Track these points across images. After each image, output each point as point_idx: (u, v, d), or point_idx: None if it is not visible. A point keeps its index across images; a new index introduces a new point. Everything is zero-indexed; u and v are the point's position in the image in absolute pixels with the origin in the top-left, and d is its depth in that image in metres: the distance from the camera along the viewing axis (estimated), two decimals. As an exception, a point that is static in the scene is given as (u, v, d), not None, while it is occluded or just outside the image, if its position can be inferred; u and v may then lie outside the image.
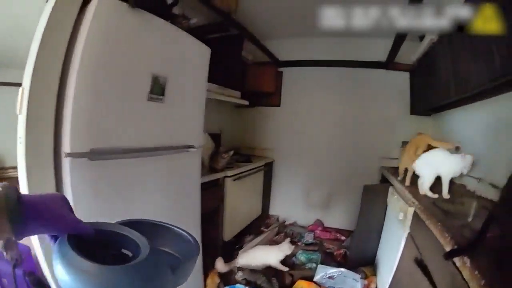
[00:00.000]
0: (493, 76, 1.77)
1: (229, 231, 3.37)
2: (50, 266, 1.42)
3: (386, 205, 3.00)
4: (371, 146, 4.33)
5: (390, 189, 2.91)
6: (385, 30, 3.54)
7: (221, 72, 3.44)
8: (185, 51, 2.22)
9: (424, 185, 2.17)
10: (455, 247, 1.24)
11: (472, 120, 2.76)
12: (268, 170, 4.58)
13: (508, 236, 1.16)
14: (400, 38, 3.19)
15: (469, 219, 1.60)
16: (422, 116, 4.04)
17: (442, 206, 1.88)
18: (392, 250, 2.43)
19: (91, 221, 0.66)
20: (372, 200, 3.12)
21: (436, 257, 1.48)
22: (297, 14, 3.77)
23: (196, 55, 2.36)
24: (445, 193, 2.10)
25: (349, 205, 4.25)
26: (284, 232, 4.18)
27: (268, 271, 2.91)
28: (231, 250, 3.41)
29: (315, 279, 2.83)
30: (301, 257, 3.33)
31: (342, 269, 2.82)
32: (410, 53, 3.75)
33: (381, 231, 3.09)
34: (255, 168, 4.00)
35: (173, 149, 2.17)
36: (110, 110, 1.66)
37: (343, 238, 4.01)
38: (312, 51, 4.58)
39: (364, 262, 3.15)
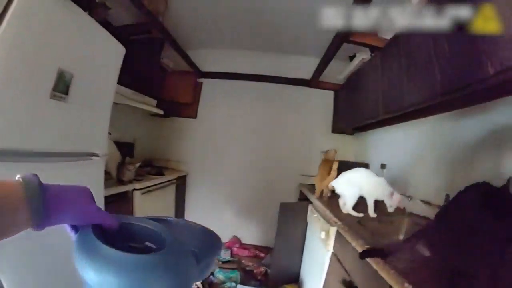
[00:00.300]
0: (433, 94, 1.78)
1: None
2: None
3: (307, 223, 2.97)
4: (291, 163, 4.35)
5: (310, 207, 2.89)
6: (313, 49, 3.82)
7: (138, 77, 3.26)
8: (97, 47, 2.00)
9: (347, 205, 2.15)
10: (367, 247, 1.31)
11: (399, 139, 2.92)
12: (181, 183, 4.37)
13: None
14: (328, 57, 3.28)
15: (401, 237, 1.63)
16: (344, 134, 4.22)
17: (369, 225, 1.88)
18: (316, 269, 2.37)
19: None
20: (290, 218, 3.07)
21: (367, 280, 1.46)
22: (225, 25, 3.74)
23: (108, 54, 2.15)
24: (371, 212, 2.11)
25: (266, 222, 4.21)
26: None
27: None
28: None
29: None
30: (219, 275, 3.18)
31: None
32: (337, 73, 3.90)
33: (303, 248, 3.05)
34: (167, 181, 3.80)
35: (74, 156, 1.92)
36: (3, 105, 1.41)
37: (262, 255, 3.93)
38: (235, 64, 4.55)
39: (287, 280, 3.08)
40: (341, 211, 2.20)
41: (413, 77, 2.03)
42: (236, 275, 3.25)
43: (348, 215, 2.12)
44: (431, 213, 2.08)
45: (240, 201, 4.48)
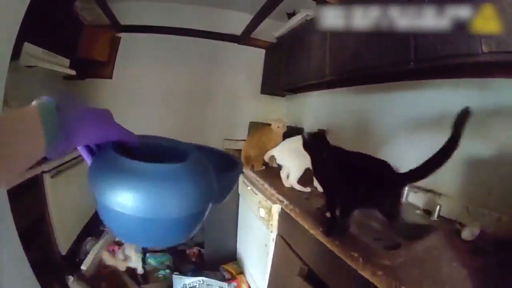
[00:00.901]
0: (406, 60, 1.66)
1: (64, 242, 2.65)
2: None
3: (238, 194, 2.75)
4: (215, 126, 4.06)
5: (241, 177, 2.62)
6: (249, 3, 3.32)
7: (49, 33, 2.76)
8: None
9: (292, 177, 1.95)
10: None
11: (338, 104, 2.79)
12: None
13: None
14: (265, 10, 2.93)
15: None
16: (275, 96, 3.99)
17: (321, 202, 1.73)
18: (259, 251, 2.20)
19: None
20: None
21: (335, 273, 1.36)
22: None
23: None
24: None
25: None
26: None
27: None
28: (72, 263, 2.69)
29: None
30: (150, 261, 2.82)
31: (204, 278, 2.42)
32: (272, 30, 3.59)
33: (237, 222, 2.86)
34: (79, 156, 2.98)
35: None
36: None
37: None
38: (160, 17, 3.92)
39: (224, 259, 2.86)
40: (283, 184, 2.01)
41: (377, 39, 1.85)
42: (168, 258, 2.91)
43: (292, 189, 1.94)
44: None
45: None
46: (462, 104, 1.56)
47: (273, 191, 1.91)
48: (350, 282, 1.25)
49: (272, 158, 2.15)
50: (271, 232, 1.95)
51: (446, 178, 1.75)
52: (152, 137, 0.70)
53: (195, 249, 3.18)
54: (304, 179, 1.96)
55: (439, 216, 1.69)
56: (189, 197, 0.53)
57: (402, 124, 2.02)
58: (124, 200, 0.48)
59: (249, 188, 2.36)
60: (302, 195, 1.86)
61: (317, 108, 3.21)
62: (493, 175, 1.53)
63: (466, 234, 1.43)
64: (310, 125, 3.24)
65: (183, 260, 3.03)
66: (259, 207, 2.07)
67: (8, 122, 0.44)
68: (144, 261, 2.78)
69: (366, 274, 1.14)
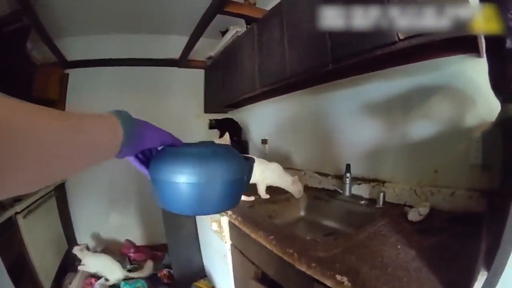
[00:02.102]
0: (324, 62, 1.67)
1: (45, 278, 2.67)
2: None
3: None
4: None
5: None
6: (184, 26, 3.27)
7: (3, 76, 2.73)
8: None
9: None
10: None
11: (276, 113, 2.80)
12: (60, 194, 3.64)
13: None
14: (198, 31, 2.91)
15: (302, 213, 1.67)
16: (218, 113, 3.96)
17: (264, 209, 1.73)
18: (220, 263, 2.13)
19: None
20: (177, 214, 2.66)
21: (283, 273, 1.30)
22: (90, 8, 3.11)
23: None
24: (263, 194, 1.92)
25: (153, 217, 3.58)
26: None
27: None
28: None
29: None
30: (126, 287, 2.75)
31: None
32: (208, 49, 3.60)
33: (198, 238, 2.75)
34: (45, 194, 3.06)
35: None
36: None
37: (159, 253, 3.53)
38: (105, 50, 3.84)
39: (193, 276, 2.75)
40: None
41: (297, 46, 1.88)
42: (142, 284, 2.86)
43: None
44: (328, 183, 2.03)
45: (124, 201, 3.97)
46: (398, 90, 1.64)
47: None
48: (296, 278, 1.18)
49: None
50: (225, 242, 1.90)
51: (388, 165, 1.74)
52: (186, 143, 0.76)
53: (165, 271, 3.11)
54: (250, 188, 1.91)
55: (384, 202, 1.65)
56: (230, 166, 0.67)
57: (346, 116, 2.02)
58: (191, 174, 0.61)
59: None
60: (246, 204, 1.82)
61: (260, 119, 3.19)
62: (436, 153, 1.51)
63: (412, 215, 1.39)
64: (256, 136, 3.24)
65: (156, 283, 2.99)
66: (211, 222, 2.01)
67: (95, 120, 0.51)
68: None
69: (302, 267, 1.08)
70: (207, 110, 4.03)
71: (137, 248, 3.70)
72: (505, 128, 0.95)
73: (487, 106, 1.26)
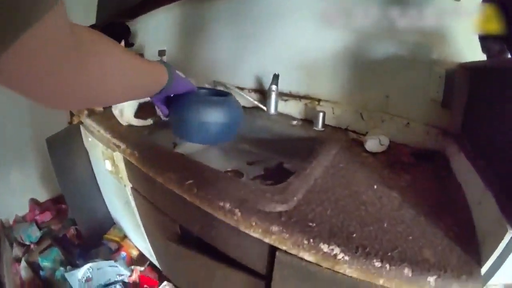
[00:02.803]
0: None
1: None
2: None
3: (86, 151, 2.00)
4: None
5: (82, 129, 1.86)
6: None
7: None
8: None
9: (126, 112, 1.31)
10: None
11: (174, 21, 2.21)
12: None
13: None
14: None
15: None
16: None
17: (167, 134, 1.19)
18: (125, 210, 1.64)
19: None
20: (65, 153, 2.06)
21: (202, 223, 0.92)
22: None
23: None
24: (165, 111, 1.39)
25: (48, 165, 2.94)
26: (8, 239, 2.49)
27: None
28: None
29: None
30: (44, 263, 2.07)
31: (92, 264, 1.84)
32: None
33: (96, 181, 2.13)
34: None
35: None
36: None
37: (63, 206, 2.79)
38: None
39: (103, 227, 2.21)
40: (121, 124, 1.37)
41: None
42: (56, 251, 2.18)
43: (131, 128, 1.31)
44: (246, 97, 1.55)
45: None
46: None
47: (109, 136, 1.28)
48: (244, 244, 0.79)
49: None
50: (125, 186, 1.38)
51: (325, 81, 1.35)
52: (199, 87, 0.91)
53: (73, 230, 2.44)
54: (144, 110, 1.35)
55: (324, 125, 1.30)
56: (239, 110, 0.87)
57: (269, 18, 1.52)
58: (211, 115, 0.79)
59: (90, 139, 1.68)
60: (143, 131, 1.28)
61: (158, 29, 2.58)
62: (390, 77, 1.20)
63: (371, 144, 1.09)
64: (153, 48, 2.63)
65: (68, 247, 2.31)
66: (104, 160, 1.44)
67: (149, 64, 0.65)
68: (41, 268, 2.08)
69: (255, 232, 0.68)
70: (99, 20, 3.24)
71: (42, 207, 2.95)
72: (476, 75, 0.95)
73: (456, 46, 1.07)
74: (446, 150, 1.06)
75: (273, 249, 0.69)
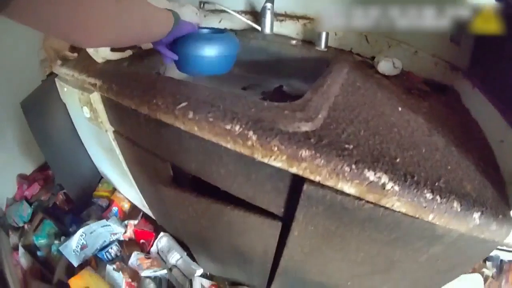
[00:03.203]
0: None
1: None
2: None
3: (64, 104, 1.72)
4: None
5: (57, 82, 1.56)
6: None
7: None
8: None
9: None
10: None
11: None
12: None
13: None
14: None
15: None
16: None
17: (149, 62, 1.12)
18: (110, 160, 1.51)
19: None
20: (43, 113, 1.82)
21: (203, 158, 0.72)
22: None
23: None
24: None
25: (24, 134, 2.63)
26: (4, 228, 2.38)
27: None
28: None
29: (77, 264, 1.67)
30: (40, 241, 1.92)
31: (83, 229, 1.71)
32: None
33: (76, 134, 1.90)
34: None
35: None
36: None
37: (50, 172, 2.54)
38: None
39: (91, 185, 2.08)
40: (97, 62, 1.16)
41: None
42: (49, 225, 2.00)
43: (108, 64, 1.09)
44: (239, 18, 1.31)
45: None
46: None
47: (84, 76, 1.09)
48: (260, 178, 0.63)
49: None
50: (106, 131, 1.20)
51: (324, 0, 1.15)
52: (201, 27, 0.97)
53: (60, 195, 2.22)
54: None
55: (327, 46, 1.13)
56: (235, 44, 0.90)
57: None
58: (210, 49, 0.83)
59: (65, 89, 1.49)
60: (122, 64, 1.06)
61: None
62: None
63: (384, 66, 0.97)
64: None
65: (60, 215, 2.12)
66: (82, 107, 1.25)
67: (159, 11, 0.68)
68: (38, 249, 1.94)
69: (277, 161, 0.51)
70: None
71: (30, 179, 2.73)
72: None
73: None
74: (455, 85, 0.97)
75: (298, 182, 0.54)
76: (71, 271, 1.61)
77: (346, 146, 0.50)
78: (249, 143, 0.52)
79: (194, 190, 0.83)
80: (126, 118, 0.91)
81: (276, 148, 0.50)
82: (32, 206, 2.19)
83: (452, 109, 0.82)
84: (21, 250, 1.91)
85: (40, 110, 1.80)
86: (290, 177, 0.56)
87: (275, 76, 1.17)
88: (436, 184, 0.49)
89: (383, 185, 0.46)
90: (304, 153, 0.48)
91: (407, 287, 0.77)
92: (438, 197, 0.47)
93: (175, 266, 1.51)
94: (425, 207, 0.47)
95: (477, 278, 1.24)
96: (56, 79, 1.54)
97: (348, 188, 0.48)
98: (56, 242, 1.82)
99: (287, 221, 0.64)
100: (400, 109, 0.70)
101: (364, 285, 0.78)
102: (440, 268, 0.65)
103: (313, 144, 0.49)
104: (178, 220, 1.07)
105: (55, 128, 1.82)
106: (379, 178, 0.46)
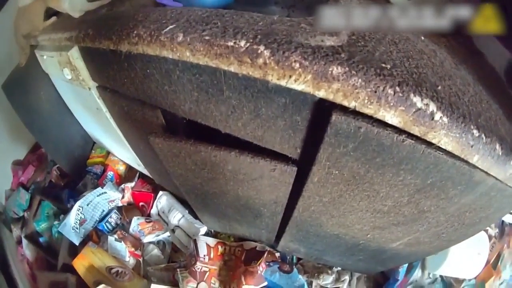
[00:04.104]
0: None
1: None
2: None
3: (47, 75, 1.55)
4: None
5: (37, 53, 1.39)
6: None
7: None
8: None
9: None
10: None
11: None
12: None
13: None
14: None
15: None
16: None
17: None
18: (99, 121, 1.37)
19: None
20: (26, 92, 1.67)
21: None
22: None
23: None
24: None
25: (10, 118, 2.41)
26: (6, 225, 2.15)
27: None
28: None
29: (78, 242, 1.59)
30: (41, 225, 1.85)
31: (79, 203, 1.60)
32: None
33: (67, 107, 1.76)
34: None
35: None
36: None
37: (44, 150, 2.38)
38: None
39: (84, 153, 1.95)
40: (74, 18, 1.01)
41: None
42: (47, 206, 1.91)
43: (86, 14, 0.96)
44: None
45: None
46: None
47: (59, 34, 0.95)
48: (262, 108, 0.49)
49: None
50: (89, 89, 1.06)
51: None
52: None
53: (54, 171, 2.11)
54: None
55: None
56: None
57: None
58: None
59: (45, 57, 1.34)
60: (101, 10, 0.92)
61: None
62: None
63: None
64: None
65: (58, 192, 1.99)
66: (62, 69, 1.12)
67: None
68: (40, 235, 1.89)
69: (299, 83, 0.37)
70: None
71: (23, 164, 2.58)
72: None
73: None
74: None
75: (323, 113, 0.42)
76: (74, 251, 1.54)
77: (383, 65, 0.37)
78: (260, 61, 0.38)
79: (191, 137, 0.67)
80: (107, 67, 0.76)
81: (297, 65, 0.36)
82: (30, 191, 2.09)
83: (468, 50, 0.70)
84: (24, 241, 1.85)
85: (23, 88, 1.68)
86: (311, 107, 0.43)
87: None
88: (479, 120, 0.40)
89: (432, 115, 0.35)
90: (336, 70, 0.35)
91: (427, 241, 0.69)
92: (483, 136, 0.40)
93: (177, 226, 1.46)
94: (472, 146, 0.39)
95: (483, 235, 1.20)
96: (35, 51, 1.40)
97: (391, 117, 0.36)
98: (56, 222, 1.74)
99: (304, 165, 0.53)
100: (422, 38, 0.58)
101: (383, 237, 0.69)
102: (466, 221, 0.58)
103: (345, 60, 0.36)
104: (175, 175, 0.95)
105: (41, 102, 1.68)
106: (427, 105, 0.35)
